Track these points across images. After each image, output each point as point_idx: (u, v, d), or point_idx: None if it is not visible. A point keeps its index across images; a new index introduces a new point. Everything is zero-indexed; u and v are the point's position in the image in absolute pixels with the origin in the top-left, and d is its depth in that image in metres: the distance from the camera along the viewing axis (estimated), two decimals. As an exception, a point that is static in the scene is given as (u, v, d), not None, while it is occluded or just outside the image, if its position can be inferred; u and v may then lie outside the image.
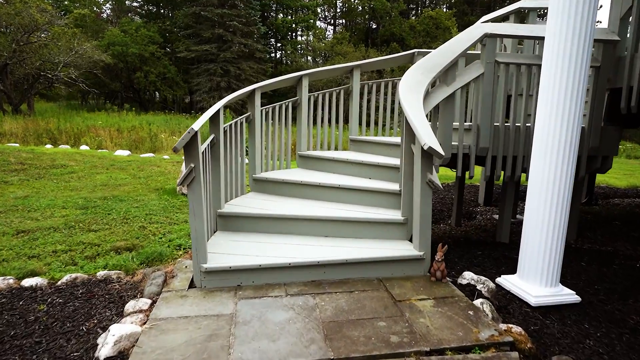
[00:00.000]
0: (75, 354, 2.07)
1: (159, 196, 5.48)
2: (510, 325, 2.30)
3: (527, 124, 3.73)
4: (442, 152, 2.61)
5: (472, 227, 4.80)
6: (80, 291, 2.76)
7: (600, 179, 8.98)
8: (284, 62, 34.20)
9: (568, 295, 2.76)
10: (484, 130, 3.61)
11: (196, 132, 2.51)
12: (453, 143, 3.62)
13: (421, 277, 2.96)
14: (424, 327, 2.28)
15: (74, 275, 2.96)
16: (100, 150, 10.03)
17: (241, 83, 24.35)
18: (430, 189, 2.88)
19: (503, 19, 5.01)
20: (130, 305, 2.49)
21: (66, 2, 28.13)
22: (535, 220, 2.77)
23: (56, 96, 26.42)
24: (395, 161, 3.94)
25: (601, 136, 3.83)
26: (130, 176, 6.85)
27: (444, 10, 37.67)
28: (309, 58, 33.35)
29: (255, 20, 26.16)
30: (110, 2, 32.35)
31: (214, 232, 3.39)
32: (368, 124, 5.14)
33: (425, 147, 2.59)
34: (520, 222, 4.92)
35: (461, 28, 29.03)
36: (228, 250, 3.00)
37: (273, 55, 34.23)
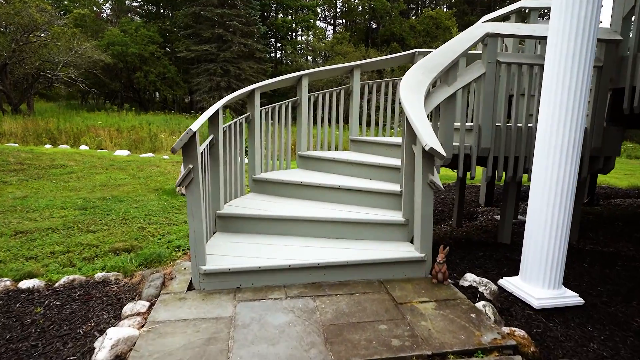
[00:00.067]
0: (71, 358, 2.04)
1: (158, 196, 5.45)
2: (513, 329, 2.27)
3: (529, 124, 3.70)
4: (444, 153, 2.58)
5: (473, 228, 4.77)
6: (78, 293, 2.73)
7: (601, 179, 8.95)
8: (284, 62, 34.18)
9: (571, 298, 2.73)
10: (486, 131, 3.58)
11: (194, 133, 2.48)
12: (454, 143, 3.59)
13: (422, 279, 2.93)
14: (425, 330, 2.25)
15: (71, 277, 2.93)
16: (99, 150, 10.00)
17: (241, 83, 24.32)
18: (432, 190, 2.85)
19: (504, 18, 4.98)
20: (128, 308, 2.46)
21: (66, 2, 28.11)
22: (537, 222, 2.74)
23: (56, 96, 26.39)
24: (396, 162, 3.91)
25: (603, 136, 3.80)
26: (129, 176, 6.82)
27: (444, 10, 37.65)
28: (309, 58, 33.32)
29: (255, 20, 26.14)
30: (110, 2, 32.33)
31: (213, 234, 3.36)
32: (368, 124, 5.11)
33: (427, 148, 2.56)
34: (522, 223, 4.89)
35: (461, 28, 29.01)
36: (227, 252, 2.97)
37: (273, 55, 34.22)
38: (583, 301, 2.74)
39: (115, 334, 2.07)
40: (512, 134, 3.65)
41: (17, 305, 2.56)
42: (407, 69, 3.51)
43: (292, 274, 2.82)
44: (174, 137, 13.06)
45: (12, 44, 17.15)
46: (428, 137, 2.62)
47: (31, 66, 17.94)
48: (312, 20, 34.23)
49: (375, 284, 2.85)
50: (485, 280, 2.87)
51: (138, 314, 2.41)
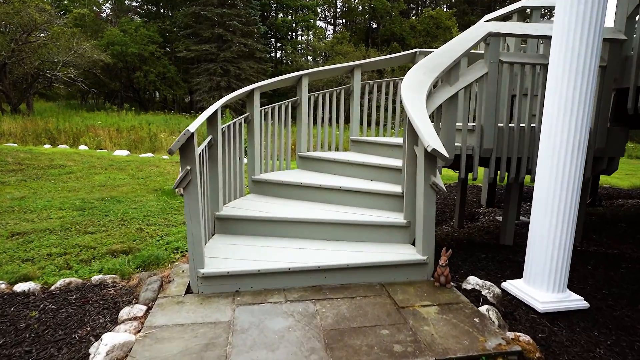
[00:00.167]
0: (66, 364, 1.99)
1: (157, 197, 5.40)
2: (517, 334, 2.22)
3: (531, 125, 3.65)
4: (447, 154, 2.53)
5: (475, 229, 4.72)
6: (74, 296, 2.69)
7: (603, 179, 8.90)
8: (284, 61, 34.12)
9: (576, 301, 2.68)
10: (488, 131, 3.53)
11: (192, 134, 2.43)
12: (456, 144, 3.54)
13: (425, 282, 2.89)
14: (428, 335, 2.20)
15: (68, 279, 2.88)
16: (99, 150, 9.95)
17: (241, 83, 24.26)
18: (434, 191, 2.80)
19: (505, 18, 4.93)
20: (124, 312, 2.42)
21: (65, 2, 28.05)
22: (542, 224, 2.69)
23: (55, 96, 26.32)
24: (397, 162, 3.86)
25: (607, 137, 3.75)
26: (128, 176, 6.78)
27: (445, 10, 37.58)
28: (309, 58, 33.25)
29: (255, 20, 26.08)
30: (109, 2, 32.28)
31: (212, 235, 3.32)
32: (369, 124, 5.06)
33: (429, 149, 2.51)
34: (524, 224, 4.85)
35: (461, 28, 28.96)
36: (226, 255, 2.93)
37: (273, 55, 34.15)
38: (588, 305, 2.69)
39: (110, 340, 2.03)
40: (515, 134, 3.61)
41: (12, 309, 2.51)
42: (408, 69, 3.46)
43: (292, 277, 2.77)
44: (173, 136, 13.00)
45: (12, 43, 17.10)
46: (430, 138, 2.58)
47: (30, 66, 17.89)
48: (312, 20, 34.15)
49: (376, 287, 2.80)
50: (488, 283, 2.82)
51: (135, 318, 2.36)
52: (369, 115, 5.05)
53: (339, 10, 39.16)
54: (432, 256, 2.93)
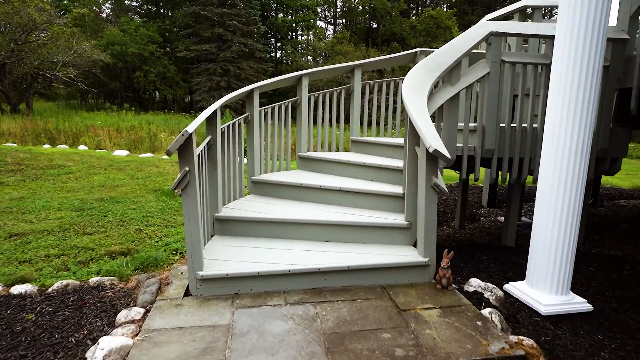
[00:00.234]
0: (62, 369, 1.96)
1: (156, 197, 5.37)
2: (521, 337, 2.19)
3: (534, 125, 3.62)
4: (449, 155, 2.50)
5: (477, 230, 4.69)
6: (72, 299, 2.65)
7: (604, 179, 8.86)
8: (284, 61, 34.08)
9: (580, 304, 2.65)
10: (490, 131, 3.50)
11: (190, 135, 2.40)
12: (458, 145, 3.51)
13: (426, 285, 2.85)
14: (430, 339, 2.17)
15: (65, 281, 2.85)
16: (98, 150, 9.91)
17: (241, 82, 24.22)
18: (436, 192, 2.77)
19: (506, 17, 4.90)
20: (122, 315, 2.38)
21: (65, 2, 28.02)
22: (545, 226, 2.66)
23: (55, 96, 26.29)
24: (398, 163, 3.83)
25: (610, 137, 3.72)
26: (128, 177, 6.74)
27: (445, 9, 37.54)
28: (309, 58, 33.21)
29: (255, 20, 26.04)
30: (109, 2, 32.25)
31: (211, 237, 3.28)
32: (369, 124, 5.03)
33: (431, 150, 2.48)
34: (526, 225, 4.82)
35: (462, 28, 28.92)
36: (225, 256, 2.89)
37: (273, 55, 34.11)
38: (592, 307, 2.66)
39: (107, 344, 1.99)
40: (517, 134, 3.57)
41: (8, 312, 2.48)
42: (409, 69, 3.43)
43: (292, 279, 2.74)
44: (173, 136, 12.97)
45: (11, 43, 17.06)
46: (432, 139, 2.54)
47: (30, 66, 17.85)
48: (312, 20, 34.12)
49: (377, 290, 2.77)
50: (490, 285, 2.79)
51: (132, 321, 2.33)
52: (370, 115, 5.01)
53: (339, 10, 39.14)
54: (433, 258, 2.90)
